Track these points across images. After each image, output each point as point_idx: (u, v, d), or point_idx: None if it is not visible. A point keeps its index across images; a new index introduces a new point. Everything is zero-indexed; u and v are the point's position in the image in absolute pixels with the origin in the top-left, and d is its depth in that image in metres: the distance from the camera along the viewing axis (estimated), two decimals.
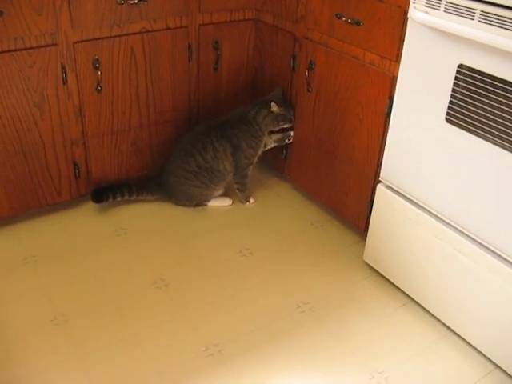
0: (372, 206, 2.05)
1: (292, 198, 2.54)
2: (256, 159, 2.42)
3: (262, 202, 2.52)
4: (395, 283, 2.03)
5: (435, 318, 1.90)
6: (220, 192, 2.47)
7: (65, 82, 2.09)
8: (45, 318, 1.85)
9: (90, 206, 2.41)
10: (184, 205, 2.44)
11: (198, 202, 2.44)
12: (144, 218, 2.38)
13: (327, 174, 2.28)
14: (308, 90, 2.22)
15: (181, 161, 2.34)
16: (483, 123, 1.55)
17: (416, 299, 1.96)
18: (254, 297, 1.99)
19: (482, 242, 1.66)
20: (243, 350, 1.77)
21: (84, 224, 2.31)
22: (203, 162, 2.32)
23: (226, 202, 2.48)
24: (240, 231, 2.33)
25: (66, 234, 2.25)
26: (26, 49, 1.96)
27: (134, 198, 2.40)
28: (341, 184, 2.22)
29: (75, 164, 2.26)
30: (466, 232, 1.70)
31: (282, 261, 2.17)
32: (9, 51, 1.93)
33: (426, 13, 1.60)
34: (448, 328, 1.87)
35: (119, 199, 2.36)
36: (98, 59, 2.12)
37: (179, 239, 2.26)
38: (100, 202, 2.34)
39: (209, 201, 2.46)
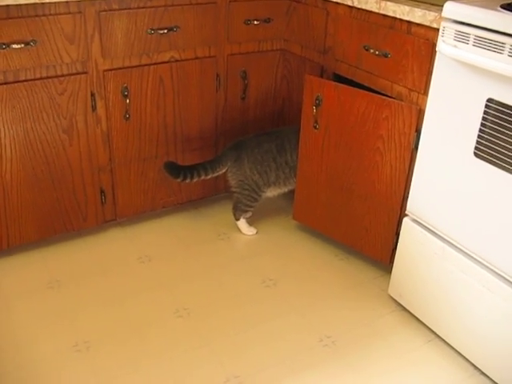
0: (397, 239, 2.02)
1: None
2: None
3: (286, 232, 2.51)
4: (421, 319, 1.98)
5: (462, 356, 1.85)
6: (274, 193, 2.48)
7: (94, 109, 2.12)
8: (67, 343, 1.85)
9: (115, 233, 2.43)
10: (235, 179, 2.42)
11: (242, 199, 2.42)
12: (168, 245, 2.38)
13: (342, 211, 2.23)
14: (315, 127, 2.19)
15: (276, 149, 2.36)
16: None
17: (442, 336, 1.91)
18: (277, 328, 1.96)
19: (510, 279, 1.62)
20: (265, 382, 1.74)
21: (108, 250, 2.32)
22: (291, 161, 2.37)
23: (250, 232, 2.48)
24: (264, 261, 2.31)
25: (91, 260, 2.26)
26: (57, 76, 2.00)
27: (209, 176, 2.38)
28: (359, 219, 2.18)
29: (101, 190, 2.28)
30: (493, 268, 1.66)
31: (305, 292, 2.14)
32: (41, 79, 1.97)
33: (455, 46, 1.59)
34: (475, 367, 1.82)
35: (196, 179, 2.35)
36: (126, 87, 2.14)
37: (203, 268, 2.25)
38: (176, 177, 2.31)
39: (247, 211, 2.47)
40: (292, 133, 2.37)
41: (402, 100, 1.92)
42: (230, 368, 1.79)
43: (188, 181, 2.34)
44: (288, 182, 2.43)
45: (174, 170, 2.31)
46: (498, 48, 1.47)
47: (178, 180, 2.33)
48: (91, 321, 1.95)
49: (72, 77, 2.02)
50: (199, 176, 2.35)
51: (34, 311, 1.98)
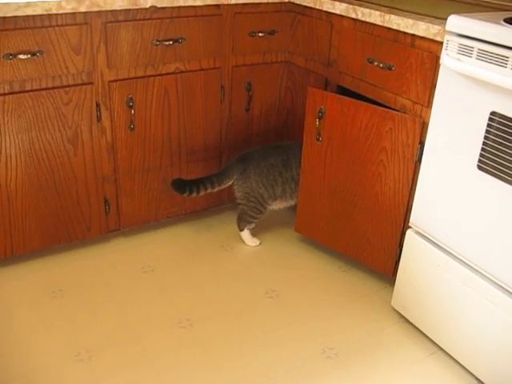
0: (401, 251, 2.01)
1: None
2: None
3: (289, 243, 2.51)
4: (424, 331, 1.98)
5: (465, 368, 1.85)
6: (280, 206, 2.48)
7: (99, 119, 2.13)
8: (69, 352, 1.85)
9: (119, 243, 2.43)
10: (240, 192, 2.42)
11: (247, 210, 2.41)
12: (171, 255, 2.38)
13: (344, 223, 2.23)
14: (318, 139, 2.19)
15: (282, 164, 2.37)
16: None
17: (445, 349, 1.90)
18: (280, 340, 1.96)
19: None
20: None
21: (112, 260, 2.33)
22: (297, 176, 2.38)
23: (253, 243, 2.48)
24: (267, 272, 2.31)
25: (94, 270, 2.26)
26: (62, 87, 2.01)
27: (216, 189, 2.38)
28: (362, 232, 2.17)
29: (106, 200, 2.29)
30: (496, 281, 1.66)
31: (308, 303, 2.14)
32: (46, 89, 1.98)
33: (458, 60, 1.60)
34: (479, 380, 1.81)
35: (202, 193, 2.35)
36: (132, 98, 2.16)
37: (206, 278, 2.25)
38: (182, 192, 2.32)
39: (252, 222, 2.46)
40: (298, 148, 2.37)
41: (405, 112, 1.92)
42: (232, 380, 1.78)
43: (194, 195, 2.34)
44: (294, 196, 2.43)
45: (181, 186, 2.32)
46: (501, 61, 1.48)
47: (185, 195, 2.34)
48: (94, 330, 1.95)
49: (77, 87, 2.04)
50: (206, 190, 2.35)
51: (36, 320, 1.98)
